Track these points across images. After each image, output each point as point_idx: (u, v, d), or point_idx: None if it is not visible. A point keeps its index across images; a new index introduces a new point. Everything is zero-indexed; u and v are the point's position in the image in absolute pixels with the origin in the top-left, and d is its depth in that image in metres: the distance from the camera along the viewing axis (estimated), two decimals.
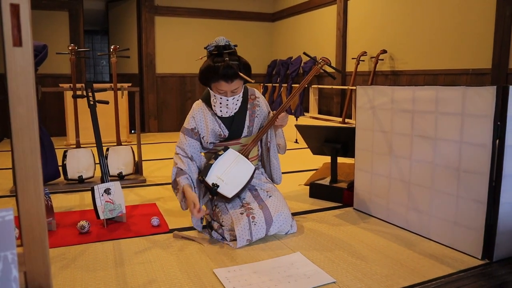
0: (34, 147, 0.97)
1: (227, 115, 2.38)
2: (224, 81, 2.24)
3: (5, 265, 0.87)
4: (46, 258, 1.02)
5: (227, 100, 2.30)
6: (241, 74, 2.23)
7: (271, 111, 2.55)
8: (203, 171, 2.30)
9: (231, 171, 2.29)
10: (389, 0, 4.83)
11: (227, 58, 2.22)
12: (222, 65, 2.20)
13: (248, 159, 2.38)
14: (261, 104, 2.51)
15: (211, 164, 2.29)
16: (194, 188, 2.33)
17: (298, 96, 5.84)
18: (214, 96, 2.32)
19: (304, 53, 2.73)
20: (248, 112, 2.45)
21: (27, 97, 0.93)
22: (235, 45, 2.35)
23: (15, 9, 0.88)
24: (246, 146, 2.40)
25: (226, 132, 2.41)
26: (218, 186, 2.26)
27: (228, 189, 2.26)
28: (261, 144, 2.55)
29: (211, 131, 2.39)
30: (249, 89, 2.51)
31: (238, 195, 2.30)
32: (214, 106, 2.35)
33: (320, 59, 2.56)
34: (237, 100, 2.34)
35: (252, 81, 2.30)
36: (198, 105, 2.44)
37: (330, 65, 2.58)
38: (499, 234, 1.96)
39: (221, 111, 2.35)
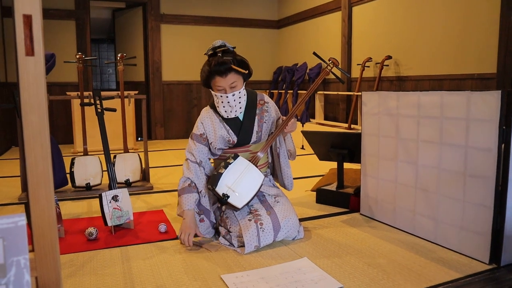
0: (45, 154, 0.99)
1: (233, 115, 2.36)
2: (218, 76, 2.27)
3: (17, 269, 0.89)
4: (57, 264, 1.04)
5: (227, 97, 2.29)
6: (233, 66, 2.24)
7: (281, 116, 2.53)
8: (213, 180, 2.25)
9: (241, 181, 2.26)
10: (394, 6, 4.85)
11: (220, 54, 2.28)
12: (214, 61, 2.26)
13: (257, 166, 2.37)
14: (270, 109, 2.50)
15: (221, 173, 2.24)
16: (202, 196, 2.35)
17: (304, 102, 5.84)
18: (215, 95, 2.33)
19: (314, 53, 2.68)
20: (256, 117, 2.44)
21: (39, 106, 0.95)
22: (234, 47, 2.36)
23: (27, 19, 0.91)
24: (256, 154, 2.38)
25: (235, 138, 2.40)
26: (228, 197, 2.23)
27: (238, 200, 2.24)
28: (271, 151, 2.54)
29: (219, 137, 2.38)
30: (258, 94, 2.51)
31: (247, 204, 2.30)
32: (218, 107, 2.36)
33: (329, 60, 2.52)
34: (239, 97, 2.33)
35: (245, 71, 2.30)
36: (206, 111, 2.46)
37: (338, 67, 2.53)
38: (506, 239, 1.96)
39: (225, 111, 2.35)
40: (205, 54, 2.39)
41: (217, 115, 2.42)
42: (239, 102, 2.35)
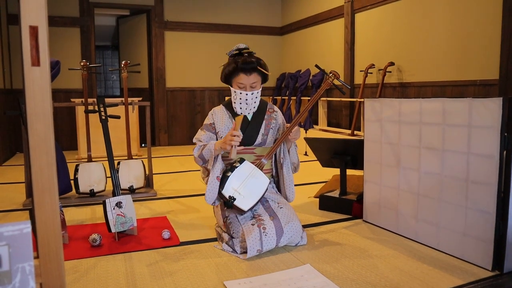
0: (50, 162, 1.01)
1: (246, 113, 2.49)
2: (243, 73, 2.41)
3: (23, 276, 0.90)
4: (61, 270, 1.05)
5: (246, 94, 2.42)
6: (259, 68, 2.42)
7: (286, 125, 2.57)
8: (220, 183, 2.30)
9: (247, 184, 2.31)
10: (396, 12, 4.87)
11: (246, 55, 2.47)
12: (242, 59, 2.43)
13: (262, 171, 2.40)
14: (278, 118, 2.61)
15: (228, 176, 2.29)
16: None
17: (307, 111, 5.86)
18: (235, 92, 2.45)
19: (316, 66, 2.76)
20: (264, 122, 2.55)
21: (45, 114, 0.97)
22: (254, 52, 2.54)
23: (34, 30, 0.93)
24: (261, 160, 2.42)
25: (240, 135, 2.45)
26: (234, 199, 2.27)
27: (244, 202, 2.28)
28: (275, 162, 2.58)
29: (226, 128, 2.49)
30: (268, 104, 2.63)
31: (252, 208, 2.32)
32: (234, 103, 2.47)
33: (330, 72, 2.59)
34: (256, 97, 2.47)
35: (269, 73, 2.51)
36: (219, 106, 2.60)
37: (339, 79, 2.61)
38: (509, 245, 1.96)
39: (240, 108, 2.47)
40: (227, 54, 2.54)
41: (228, 112, 2.54)
42: (255, 102, 2.49)
